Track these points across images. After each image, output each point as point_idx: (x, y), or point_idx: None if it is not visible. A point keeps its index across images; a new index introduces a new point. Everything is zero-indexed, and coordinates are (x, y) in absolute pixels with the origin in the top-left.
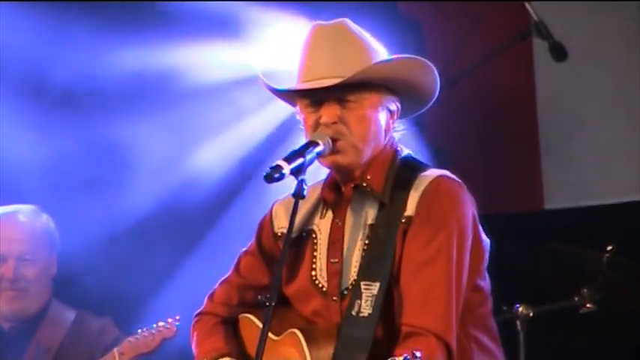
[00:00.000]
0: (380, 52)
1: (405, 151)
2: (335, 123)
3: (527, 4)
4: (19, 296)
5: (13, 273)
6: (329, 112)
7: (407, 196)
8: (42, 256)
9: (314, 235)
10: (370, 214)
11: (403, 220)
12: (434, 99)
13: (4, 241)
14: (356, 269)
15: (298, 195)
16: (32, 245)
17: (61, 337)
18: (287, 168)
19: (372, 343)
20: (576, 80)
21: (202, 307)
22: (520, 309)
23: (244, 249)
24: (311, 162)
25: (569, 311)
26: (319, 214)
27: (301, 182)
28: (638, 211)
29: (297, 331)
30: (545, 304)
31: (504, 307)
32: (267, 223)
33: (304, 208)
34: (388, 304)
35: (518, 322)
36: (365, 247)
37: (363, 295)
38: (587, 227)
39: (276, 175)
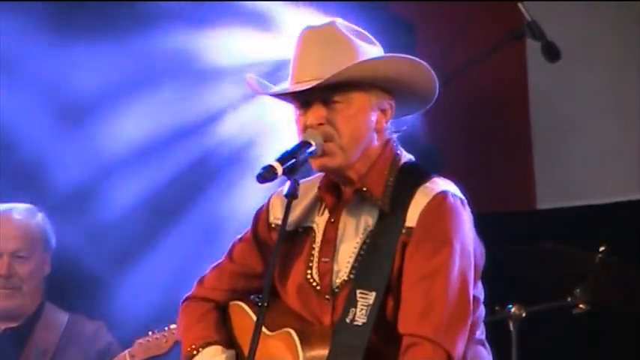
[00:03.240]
0: (371, 51)
1: (406, 156)
2: (321, 124)
3: (520, 5)
4: (11, 294)
5: (6, 269)
6: (314, 114)
7: (407, 206)
8: (36, 255)
9: (313, 233)
10: (369, 219)
11: (403, 231)
12: (433, 96)
13: None
14: (347, 270)
15: (291, 195)
16: (27, 242)
17: (56, 339)
18: (279, 168)
19: (366, 352)
20: (569, 80)
21: (191, 291)
22: (512, 309)
23: (239, 236)
24: (303, 162)
25: (561, 311)
26: (318, 211)
27: (294, 183)
28: (630, 211)
29: (293, 332)
30: (538, 304)
31: (497, 308)
32: (263, 212)
33: (302, 203)
34: (383, 314)
35: (510, 323)
36: (362, 252)
37: (359, 303)
38: (579, 227)
39: (269, 176)
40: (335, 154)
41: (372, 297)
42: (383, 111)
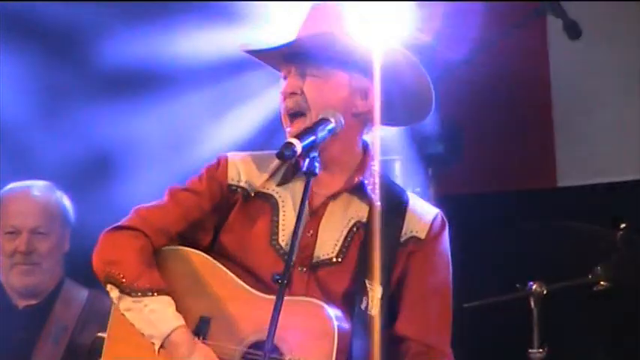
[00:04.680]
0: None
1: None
2: (294, 94)
3: None
4: (31, 270)
5: (26, 246)
6: (289, 83)
7: (403, 213)
8: (55, 231)
9: (273, 201)
10: (360, 211)
11: (409, 238)
12: (425, 101)
13: (17, 214)
14: (333, 251)
15: (310, 172)
16: (46, 219)
17: (77, 315)
18: (299, 145)
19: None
20: (590, 58)
21: (133, 221)
22: (534, 287)
23: (180, 186)
24: (323, 139)
25: (582, 289)
26: (277, 180)
27: (313, 159)
28: None
29: (324, 305)
30: (559, 281)
31: (518, 285)
32: (220, 172)
33: (258, 168)
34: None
35: (532, 300)
36: (349, 238)
37: (369, 293)
38: (600, 205)
39: (288, 153)
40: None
41: (379, 291)
42: (364, 94)
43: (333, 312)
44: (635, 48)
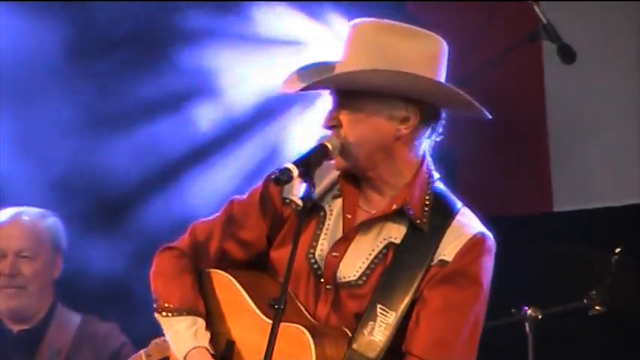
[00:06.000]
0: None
1: (436, 175)
2: (334, 127)
3: (535, 7)
4: (16, 294)
5: (10, 268)
6: (329, 116)
7: (441, 235)
8: (42, 256)
9: (322, 214)
10: (394, 231)
11: (437, 262)
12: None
13: (4, 237)
14: (356, 274)
15: (307, 199)
16: (32, 243)
17: (70, 340)
18: (295, 171)
19: None
20: (585, 82)
21: (182, 240)
22: (529, 311)
23: (239, 198)
24: (318, 165)
25: (578, 313)
26: (333, 193)
27: (309, 186)
28: None
29: (305, 331)
30: (554, 306)
31: (513, 310)
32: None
33: (322, 181)
34: (396, 334)
35: (526, 324)
36: (376, 260)
37: (378, 319)
38: (595, 229)
39: (284, 179)
40: (345, 157)
41: (391, 317)
42: (404, 120)
43: (315, 339)
44: (630, 72)
